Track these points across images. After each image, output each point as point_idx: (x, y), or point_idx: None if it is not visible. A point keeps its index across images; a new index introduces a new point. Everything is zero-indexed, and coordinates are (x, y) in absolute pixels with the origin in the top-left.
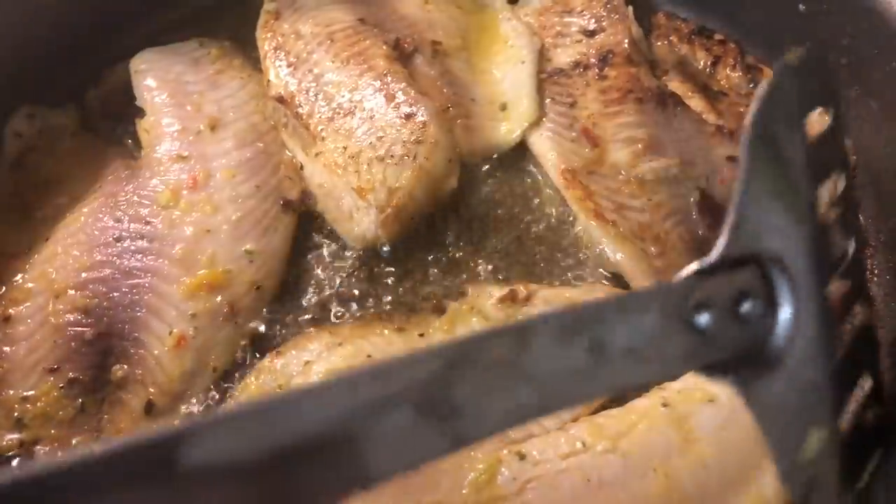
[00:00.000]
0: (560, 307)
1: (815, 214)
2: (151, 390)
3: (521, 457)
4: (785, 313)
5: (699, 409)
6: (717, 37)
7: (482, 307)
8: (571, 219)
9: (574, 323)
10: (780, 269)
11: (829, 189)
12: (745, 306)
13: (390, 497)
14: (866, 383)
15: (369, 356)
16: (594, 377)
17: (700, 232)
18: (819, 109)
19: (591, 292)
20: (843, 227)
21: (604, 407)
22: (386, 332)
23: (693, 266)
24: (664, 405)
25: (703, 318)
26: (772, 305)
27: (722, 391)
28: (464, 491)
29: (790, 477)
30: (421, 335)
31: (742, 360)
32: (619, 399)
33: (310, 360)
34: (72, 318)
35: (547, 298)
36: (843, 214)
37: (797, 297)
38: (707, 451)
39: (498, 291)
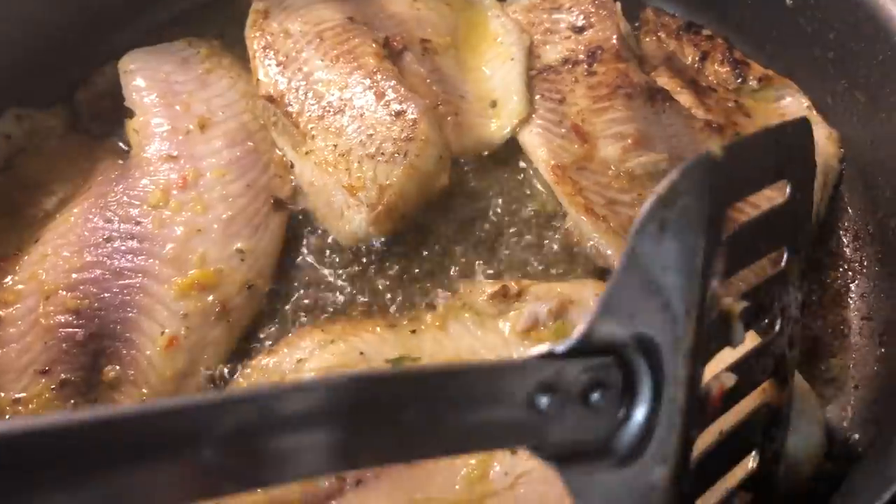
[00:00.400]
0: (409, 369)
1: (703, 313)
2: (144, 391)
3: (513, 451)
4: (640, 411)
5: None
6: (705, 32)
7: (474, 303)
8: (562, 214)
9: (409, 388)
10: (646, 365)
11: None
12: (595, 396)
13: (383, 493)
14: (743, 466)
15: (362, 353)
16: (424, 441)
17: None
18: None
19: (581, 287)
20: (763, 312)
21: None
22: (378, 329)
23: (544, 347)
24: None
25: (546, 400)
26: (630, 399)
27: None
28: (456, 486)
29: None
30: (413, 332)
31: (584, 448)
32: None
33: (302, 358)
34: (62, 320)
35: (538, 294)
36: (762, 302)
37: (659, 396)
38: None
39: (489, 287)
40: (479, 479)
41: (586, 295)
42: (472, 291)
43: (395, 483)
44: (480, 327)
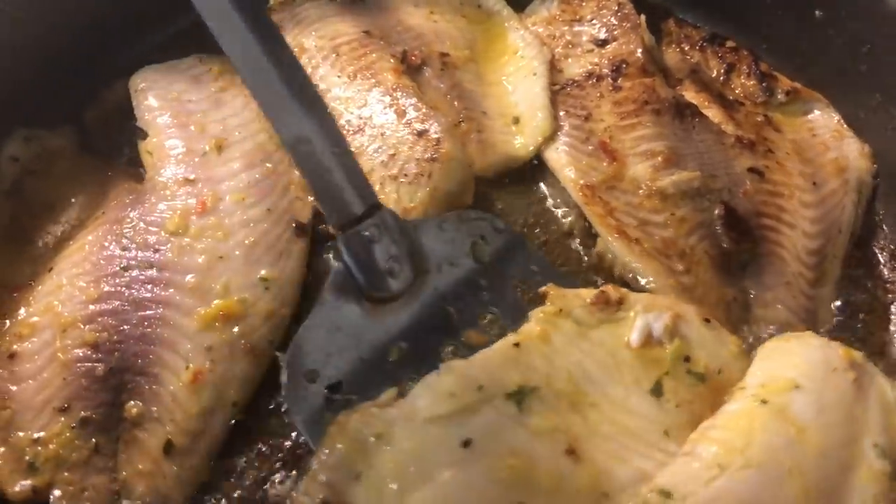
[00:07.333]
0: None
1: None
2: (169, 429)
3: (667, 495)
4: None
5: (791, 397)
6: (730, 44)
7: (572, 311)
8: (578, 234)
9: None
10: None
11: None
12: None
13: None
14: None
15: (481, 387)
16: None
17: (725, 246)
18: None
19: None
20: None
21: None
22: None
23: None
24: (762, 402)
25: None
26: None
27: (798, 373)
28: None
29: None
30: (516, 345)
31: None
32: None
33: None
34: (81, 354)
35: (643, 304)
36: None
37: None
38: (818, 438)
39: (587, 294)
40: None
41: (690, 310)
42: (565, 297)
43: None
44: (585, 340)
